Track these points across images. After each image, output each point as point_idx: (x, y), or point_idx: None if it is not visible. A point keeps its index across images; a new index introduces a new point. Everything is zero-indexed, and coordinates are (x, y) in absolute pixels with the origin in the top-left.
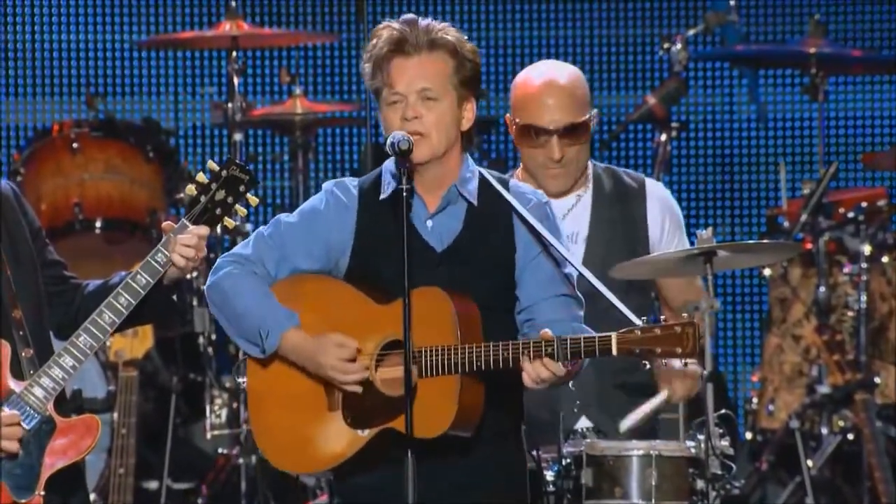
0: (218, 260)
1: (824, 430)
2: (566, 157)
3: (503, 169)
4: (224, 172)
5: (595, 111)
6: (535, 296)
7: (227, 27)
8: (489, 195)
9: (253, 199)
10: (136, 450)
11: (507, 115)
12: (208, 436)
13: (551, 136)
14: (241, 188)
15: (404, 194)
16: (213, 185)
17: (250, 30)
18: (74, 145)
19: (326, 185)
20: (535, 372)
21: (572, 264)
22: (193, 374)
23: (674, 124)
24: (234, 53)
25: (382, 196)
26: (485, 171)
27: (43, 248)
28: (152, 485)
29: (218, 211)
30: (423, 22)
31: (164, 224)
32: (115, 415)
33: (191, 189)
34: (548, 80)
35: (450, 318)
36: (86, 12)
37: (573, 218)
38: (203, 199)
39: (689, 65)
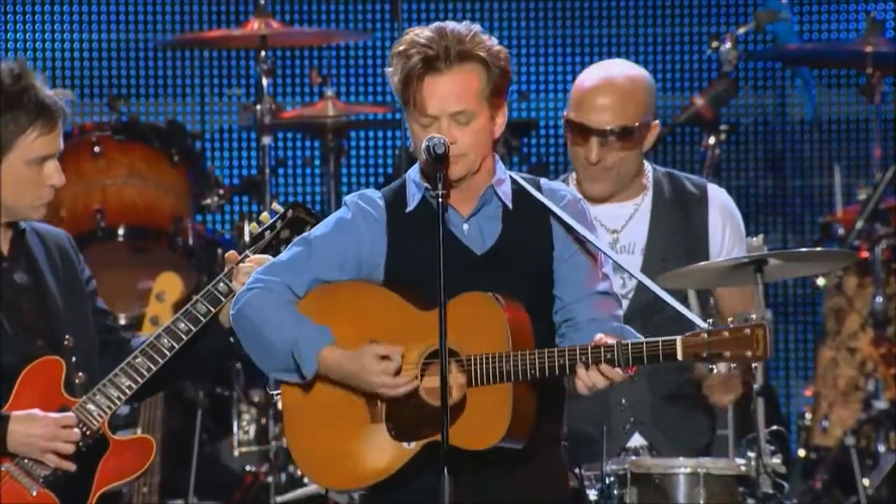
0: (239, 291)
1: (881, 448)
2: (604, 161)
3: (544, 173)
4: (290, 213)
5: (656, 122)
6: (574, 294)
7: (255, 26)
8: (523, 197)
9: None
10: (161, 467)
11: (565, 112)
12: (236, 453)
13: (591, 136)
14: (307, 229)
15: (440, 200)
16: (279, 224)
17: (280, 28)
18: (96, 149)
19: (350, 199)
20: (590, 379)
21: (623, 267)
22: (220, 388)
23: (723, 127)
24: (263, 53)
25: (409, 208)
26: (516, 175)
27: (93, 296)
28: None
29: (282, 248)
30: (453, 29)
31: (229, 254)
32: (139, 431)
33: (254, 227)
34: (604, 78)
35: (501, 325)
36: (108, 10)
37: (631, 228)
38: (268, 234)
39: (739, 64)
